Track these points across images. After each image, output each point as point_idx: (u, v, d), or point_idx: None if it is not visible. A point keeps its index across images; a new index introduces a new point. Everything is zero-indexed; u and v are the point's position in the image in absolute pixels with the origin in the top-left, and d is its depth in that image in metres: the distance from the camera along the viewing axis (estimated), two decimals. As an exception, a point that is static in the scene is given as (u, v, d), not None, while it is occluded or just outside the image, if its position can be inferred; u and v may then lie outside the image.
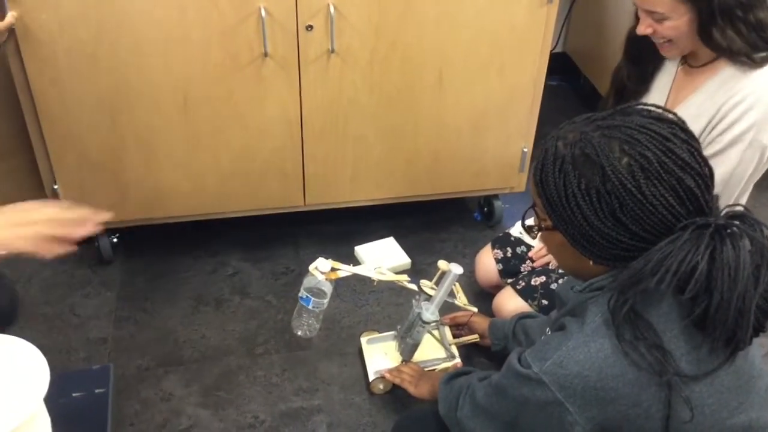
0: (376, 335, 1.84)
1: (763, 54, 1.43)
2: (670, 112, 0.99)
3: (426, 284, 1.69)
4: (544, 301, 1.73)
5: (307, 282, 1.60)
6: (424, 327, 1.66)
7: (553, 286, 1.74)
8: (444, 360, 1.76)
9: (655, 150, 0.92)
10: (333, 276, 1.61)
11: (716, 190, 0.98)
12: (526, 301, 1.76)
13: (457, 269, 1.64)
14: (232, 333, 1.91)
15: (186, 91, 1.81)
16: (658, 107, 0.99)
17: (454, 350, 1.78)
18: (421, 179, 2.14)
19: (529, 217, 1.11)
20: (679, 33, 1.44)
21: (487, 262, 1.96)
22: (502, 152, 2.15)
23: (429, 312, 1.64)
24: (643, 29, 1.47)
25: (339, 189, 2.10)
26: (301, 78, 1.84)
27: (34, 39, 1.66)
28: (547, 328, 1.17)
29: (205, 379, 1.77)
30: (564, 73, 3.04)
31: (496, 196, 2.31)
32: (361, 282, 2.08)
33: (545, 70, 2.02)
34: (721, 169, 1.47)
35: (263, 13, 1.71)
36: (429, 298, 1.67)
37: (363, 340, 1.83)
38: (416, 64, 1.90)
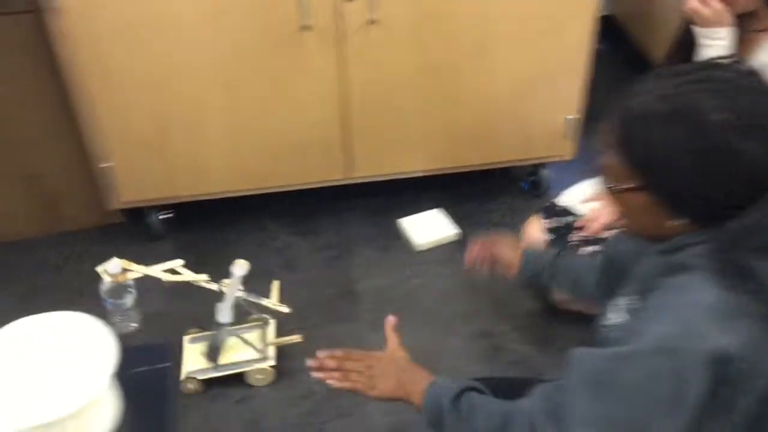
0: (201, 333, 1.76)
1: None
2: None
3: (227, 283, 1.66)
4: None
5: (102, 285, 1.60)
6: (219, 330, 1.64)
7: None
8: (257, 361, 1.71)
9: (753, 104, 0.88)
10: (122, 278, 1.58)
11: None
12: None
13: (238, 270, 1.62)
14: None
15: (227, 67, 1.81)
16: (741, 62, 0.95)
17: (271, 351, 1.73)
18: (466, 149, 2.11)
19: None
20: None
21: (534, 232, 1.93)
22: (548, 120, 2.11)
23: (221, 314, 1.62)
24: None
25: (383, 161, 2.09)
26: (342, 50, 1.83)
27: (78, 18, 1.68)
28: (626, 299, 1.05)
29: (257, 352, 1.80)
30: (611, 37, 2.95)
31: (543, 165, 2.27)
32: (409, 254, 2.08)
33: (593, 35, 1.96)
34: None
35: (304, -16, 1.70)
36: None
37: (186, 338, 1.76)
38: (459, 31, 1.87)
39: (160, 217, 2.12)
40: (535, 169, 2.30)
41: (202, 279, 1.65)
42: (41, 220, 2.13)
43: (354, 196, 2.24)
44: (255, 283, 1.99)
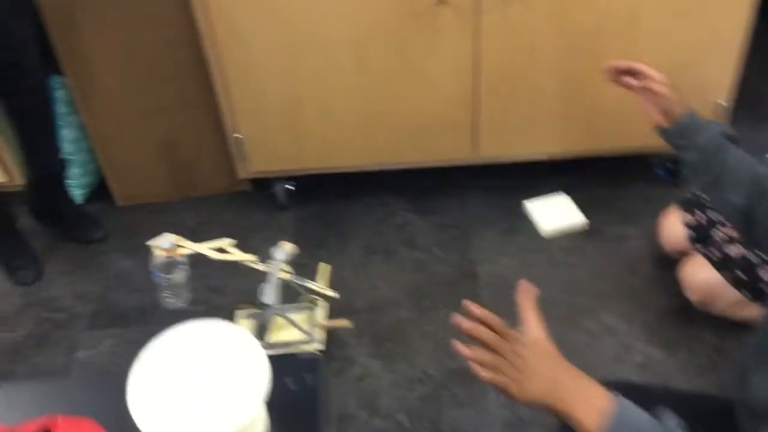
0: (252, 310, 1.73)
1: None
2: None
3: (271, 264, 1.62)
4: (742, 275, 1.57)
5: (153, 258, 1.58)
6: (264, 310, 1.60)
7: (753, 258, 1.57)
8: (303, 342, 1.66)
9: None
10: (174, 253, 1.56)
11: None
12: (720, 272, 1.61)
13: (277, 254, 1.57)
14: (400, 285, 1.91)
15: (360, 42, 1.78)
16: None
17: (318, 333, 1.67)
18: (602, 133, 1.99)
19: None
20: None
21: (675, 225, 1.80)
22: (696, 104, 1.93)
23: (265, 294, 1.58)
24: None
25: (512, 142, 2.01)
26: (478, 26, 1.76)
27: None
28: None
29: (376, 330, 1.80)
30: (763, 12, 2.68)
31: (683, 152, 2.11)
32: (532, 240, 2.01)
33: (751, 18, 1.78)
34: None
35: (444, -42, 1.63)
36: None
37: (238, 313, 1.74)
38: (605, 6, 1.74)
39: (288, 187, 2.15)
40: (676, 155, 2.14)
41: (250, 259, 1.65)
42: (176, 185, 2.22)
43: (476, 175, 2.18)
44: (374, 257, 2.00)
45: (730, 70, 1.88)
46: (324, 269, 1.72)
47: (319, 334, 1.70)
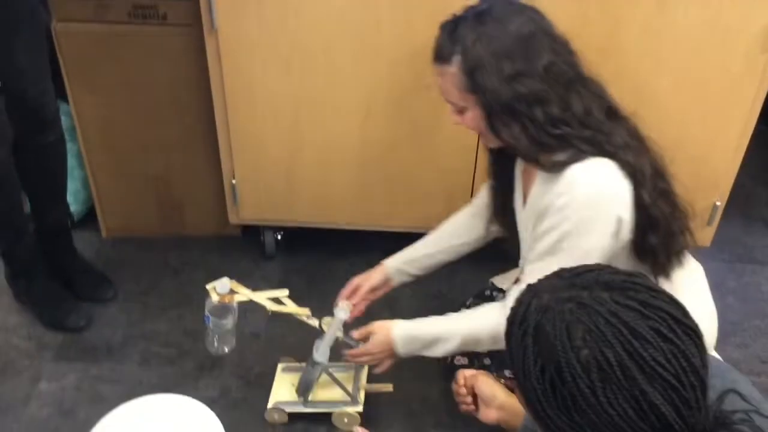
0: (295, 364, 1.75)
1: (556, 158, 1.26)
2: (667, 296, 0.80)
3: (327, 321, 1.60)
4: None
5: (208, 302, 1.56)
6: (314, 367, 1.58)
7: None
8: (347, 404, 1.64)
9: (618, 349, 0.75)
10: (229, 299, 1.54)
11: None
12: None
13: (340, 314, 1.55)
14: (378, 350, 1.87)
15: (369, 104, 1.80)
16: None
17: (361, 395, 1.65)
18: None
19: None
20: (478, 124, 1.31)
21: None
22: (690, 202, 1.95)
23: (319, 352, 1.55)
24: (453, 119, 1.36)
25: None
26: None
27: (233, 41, 1.72)
28: None
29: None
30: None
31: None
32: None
33: (755, 122, 1.81)
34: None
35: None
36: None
37: (279, 366, 1.76)
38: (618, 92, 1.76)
39: (276, 236, 2.13)
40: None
41: (304, 313, 1.63)
42: (164, 222, 2.20)
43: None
44: (354, 320, 1.96)
45: (729, 172, 1.90)
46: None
47: (362, 396, 1.67)
